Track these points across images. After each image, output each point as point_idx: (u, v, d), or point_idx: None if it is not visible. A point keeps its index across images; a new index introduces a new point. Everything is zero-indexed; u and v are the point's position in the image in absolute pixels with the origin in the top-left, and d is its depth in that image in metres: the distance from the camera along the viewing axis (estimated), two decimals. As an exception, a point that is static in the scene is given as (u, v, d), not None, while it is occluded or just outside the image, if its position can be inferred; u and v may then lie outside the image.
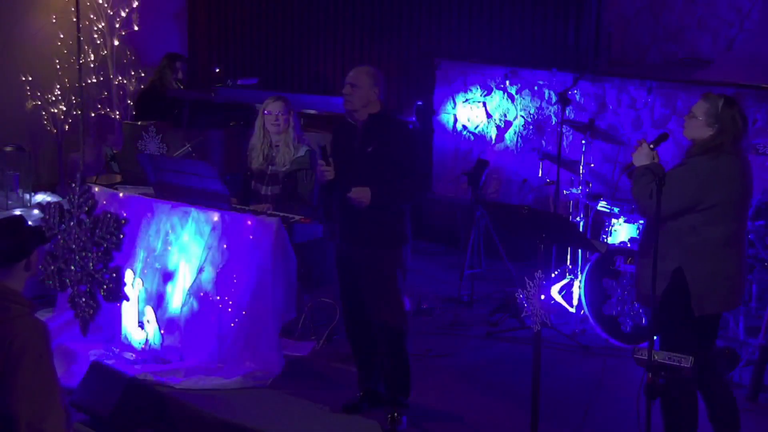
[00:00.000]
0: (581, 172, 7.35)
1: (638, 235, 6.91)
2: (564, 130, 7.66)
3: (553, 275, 7.57)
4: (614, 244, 6.98)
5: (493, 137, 9.12)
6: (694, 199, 4.87)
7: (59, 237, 6.46)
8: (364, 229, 5.55)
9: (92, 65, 10.34)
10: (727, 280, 4.97)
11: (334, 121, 8.18)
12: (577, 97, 8.52)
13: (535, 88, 8.84)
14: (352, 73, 5.58)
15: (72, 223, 6.42)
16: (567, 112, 7.72)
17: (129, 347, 6.54)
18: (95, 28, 10.36)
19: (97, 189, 6.82)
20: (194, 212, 6.48)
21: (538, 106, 8.84)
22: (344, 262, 5.73)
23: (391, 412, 5.56)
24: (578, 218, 7.40)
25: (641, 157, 5.02)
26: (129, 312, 6.53)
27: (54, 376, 4.15)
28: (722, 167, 4.90)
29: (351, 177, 5.52)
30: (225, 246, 6.33)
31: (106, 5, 10.37)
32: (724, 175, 4.90)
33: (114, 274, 6.29)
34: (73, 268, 6.42)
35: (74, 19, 9.68)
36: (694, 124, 5.01)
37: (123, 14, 10.46)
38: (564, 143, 8.36)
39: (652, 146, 5.02)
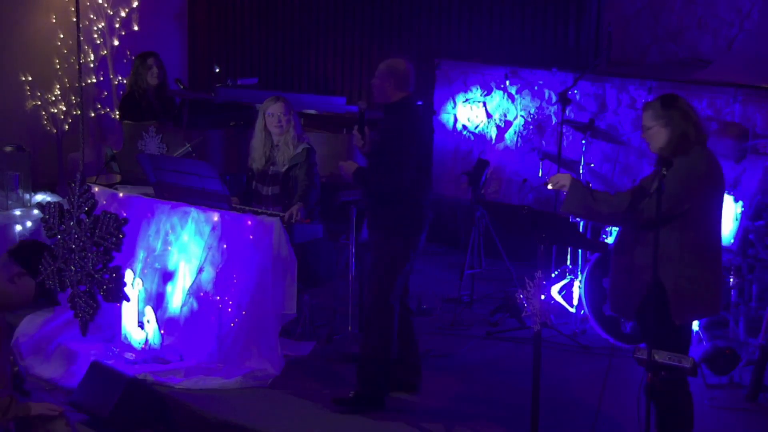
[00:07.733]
0: (581, 172, 7.34)
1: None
2: (564, 130, 7.65)
3: (553, 275, 7.57)
4: (614, 244, 6.97)
5: (493, 137, 9.11)
6: (677, 201, 4.75)
7: (59, 237, 6.45)
8: (370, 215, 5.98)
9: (92, 65, 10.33)
10: (706, 286, 4.84)
11: (334, 121, 8.18)
12: (577, 97, 8.51)
13: (535, 88, 8.84)
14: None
15: (72, 223, 6.41)
16: (567, 112, 7.71)
17: (129, 347, 6.54)
18: (95, 28, 10.35)
19: (97, 189, 6.82)
20: (194, 212, 6.48)
21: (538, 106, 8.83)
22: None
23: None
24: (578, 218, 7.39)
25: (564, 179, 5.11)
26: (129, 312, 6.53)
27: None
28: (702, 167, 4.82)
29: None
30: (225, 246, 6.33)
31: (106, 5, 10.35)
32: (703, 175, 4.81)
33: (114, 274, 6.28)
34: (72, 268, 6.41)
35: (74, 19, 9.65)
36: (649, 135, 4.93)
37: (123, 14, 10.44)
38: (564, 143, 8.34)
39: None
